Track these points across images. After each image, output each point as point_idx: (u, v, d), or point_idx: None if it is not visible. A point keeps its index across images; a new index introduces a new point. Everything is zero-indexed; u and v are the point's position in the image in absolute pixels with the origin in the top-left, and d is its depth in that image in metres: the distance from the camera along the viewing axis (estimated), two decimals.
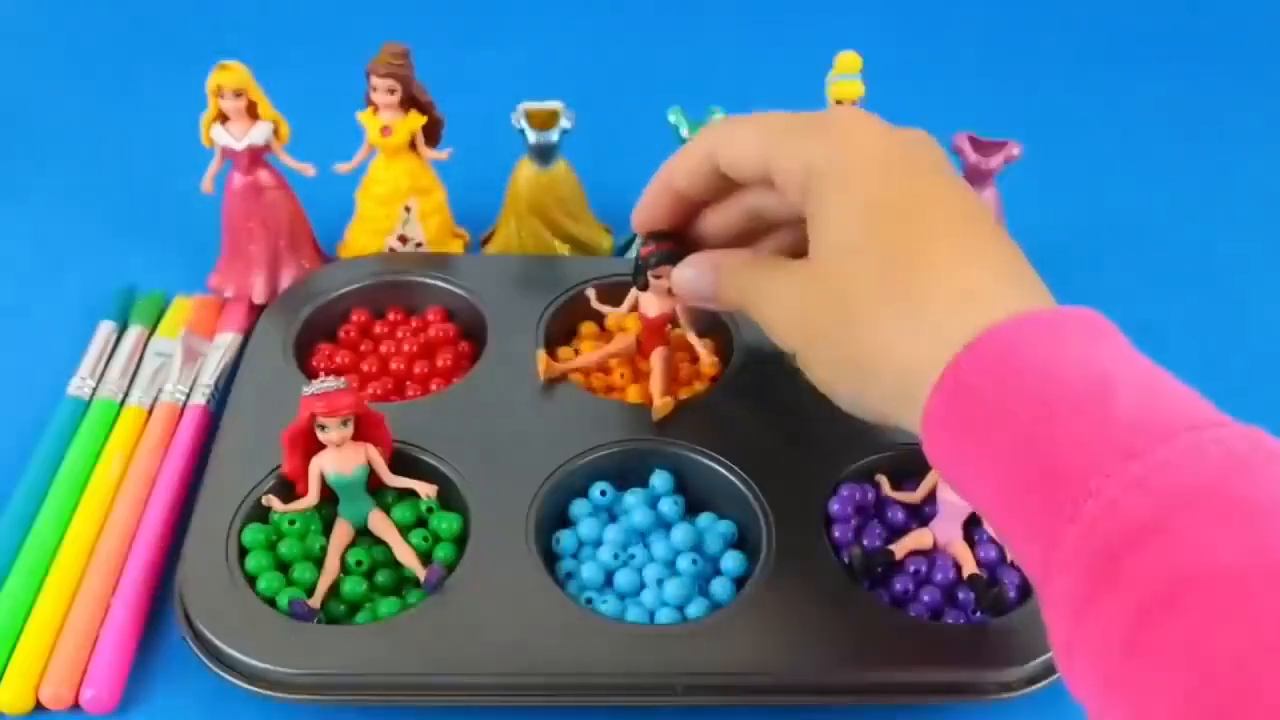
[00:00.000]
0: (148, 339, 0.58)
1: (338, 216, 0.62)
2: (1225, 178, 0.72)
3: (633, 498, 0.49)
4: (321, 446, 0.46)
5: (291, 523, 0.47)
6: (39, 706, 0.44)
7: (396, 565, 0.46)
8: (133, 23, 0.83)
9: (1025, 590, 0.45)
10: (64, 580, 0.47)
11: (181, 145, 0.59)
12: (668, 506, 0.49)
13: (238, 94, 0.55)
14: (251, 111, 0.56)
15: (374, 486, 0.47)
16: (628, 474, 0.50)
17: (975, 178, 0.57)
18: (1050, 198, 0.67)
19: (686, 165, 0.43)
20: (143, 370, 0.56)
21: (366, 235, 0.60)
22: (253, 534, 0.46)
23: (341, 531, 0.47)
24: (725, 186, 0.44)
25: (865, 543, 0.46)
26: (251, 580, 0.45)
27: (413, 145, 0.59)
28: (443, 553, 0.46)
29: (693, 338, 0.52)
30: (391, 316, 0.58)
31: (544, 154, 0.59)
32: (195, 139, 0.57)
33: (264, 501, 0.47)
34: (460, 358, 0.56)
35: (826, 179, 0.38)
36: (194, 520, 0.47)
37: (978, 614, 0.45)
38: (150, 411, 0.54)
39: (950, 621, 0.45)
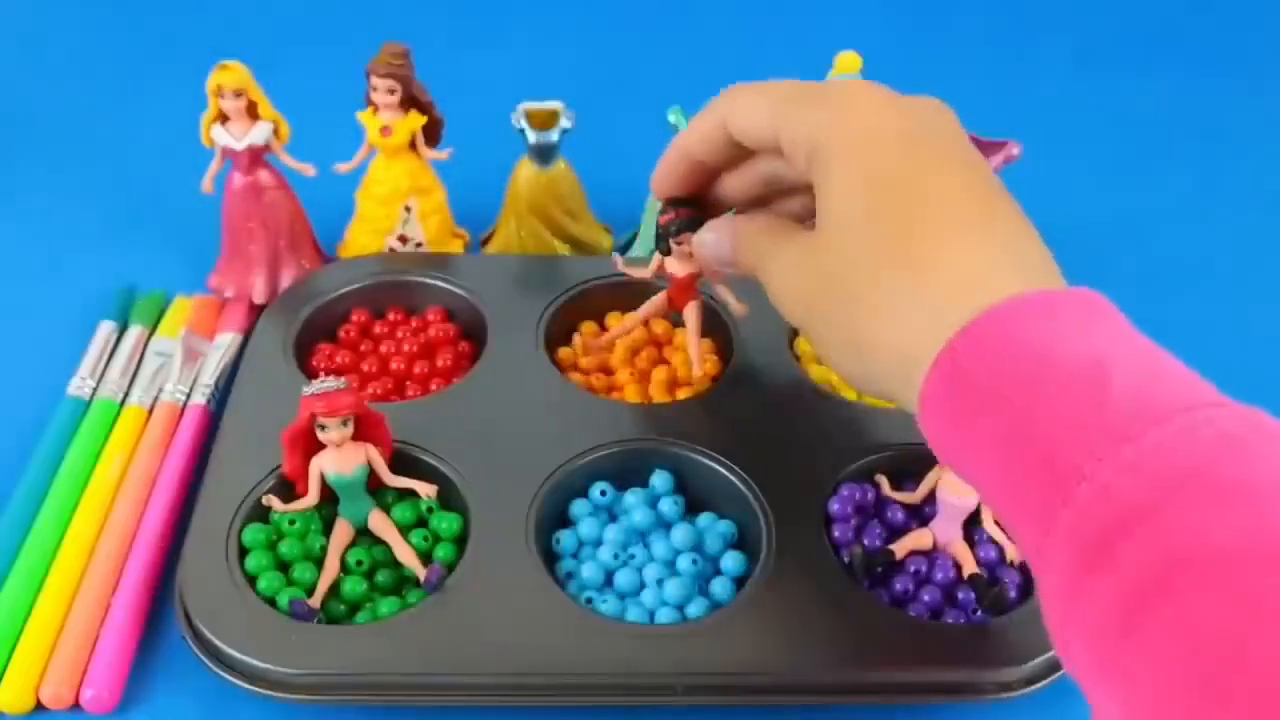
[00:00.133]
0: (148, 339, 0.58)
1: (338, 216, 0.62)
2: (1225, 178, 0.72)
3: (633, 498, 0.49)
4: (321, 446, 0.46)
5: (291, 523, 0.47)
6: (39, 706, 0.44)
7: (396, 565, 0.46)
8: (133, 23, 0.83)
9: (1025, 590, 0.45)
10: (64, 580, 0.47)
11: (181, 145, 0.59)
12: (668, 506, 0.49)
13: (238, 94, 0.55)
14: (251, 111, 0.56)
15: (374, 486, 0.47)
16: (628, 474, 0.50)
17: None
18: (1050, 198, 0.67)
19: (700, 132, 0.43)
20: (143, 370, 0.56)
21: (366, 235, 0.60)
22: (253, 534, 0.46)
23: (341, 531, 0.47)
24: (740, 153, 0.43)
25: (865, 543, 0.46)
26: (252, 580, 0.45)
27: (413, 145, 0.59)
28: (443, 553, 0.46)
29: (693, 345, 0.53)
30: (391, 316, 0.58)
31: (544, 154, 0.59)
32: (195, 139, 0.57)
33: (264, 501, 0.47)
34: (460, 358, 0.56)
35: (830, 151, 0.37)
36: (194, 520, 0.47)
37: (978, 614, 0.45)
38: (150, 411, 0.54)
39: (950, 621, 0.45)
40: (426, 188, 0.60)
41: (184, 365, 0.56)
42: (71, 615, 0.46)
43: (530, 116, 0.58)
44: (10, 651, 0.45)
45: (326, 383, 0.45)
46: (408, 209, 0.60)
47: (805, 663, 0.43)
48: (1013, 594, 0.45)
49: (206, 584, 0.44)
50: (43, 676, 0.44)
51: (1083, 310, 0.33)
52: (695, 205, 0.46)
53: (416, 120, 0.58)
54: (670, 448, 0.50)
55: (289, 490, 0.47)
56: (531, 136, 0.58)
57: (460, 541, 0.47)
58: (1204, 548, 0.27)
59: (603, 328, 0.57)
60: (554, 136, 0.59)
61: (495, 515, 0.47)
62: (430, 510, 0.48)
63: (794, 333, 0.55)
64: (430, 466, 0.49)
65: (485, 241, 0.64)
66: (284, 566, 0.46)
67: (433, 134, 0.59)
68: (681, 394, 0.53)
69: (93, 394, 0.55)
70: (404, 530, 0.47)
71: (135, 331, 0.58)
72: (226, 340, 0.57)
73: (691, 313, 0.52)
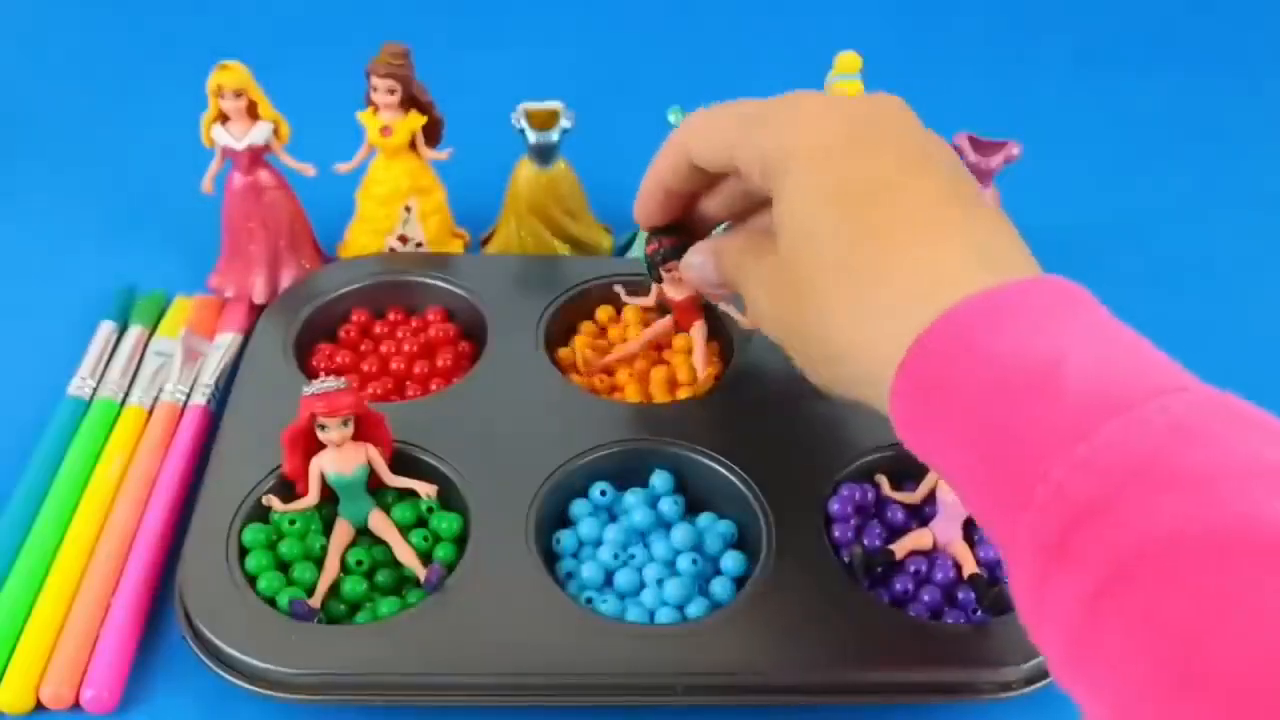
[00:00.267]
0: (148, 339, 0.58)
1: (338, 216, 0.62)
2: (1225, 178, 0.72)
3: (633, 498, 0.49)
4: (321, 446, 0.46)
5: (292, 522, 0.47)
6: (39, 706, 0.44)
7: (396, 565, 0.46)
8: (133, 23, 0.83)
9: None
10: (64, 580, 0.47)
11: (181, 145, 0.59)
12: (668, 506, 0.49)
13: (238, 94, 0.55)
14: (252, 111, 0.56)
15: (374, 486, 0.47)
16: (628, 474, 0.50)
17: (975, 178, 0.57)
18: (1050, 198, 0.67)
19: (668, 163, 0.44)
20: (143, 370, 0.56)
21: (366, 235, 0.60)
22: (253, 534, 0.46)
23: (341, 531, 0.47)
24: (711, 176, 0.44)
25: (865, 543, 0.46)
26: (252, 580, 0.45)
27: (413, 145, 0.59)
28: (443, 553, 0.46)
29: (699, 361, 0.53)
30: (391, 316, 0.58)
31: (544, 154, 0.59)
32: (195, 139, 0.57)
33: (264, 501, 0.47)
34: (460, 358, 0.56)
35: (783, 165, 0.38)
36: (194, 520, 0.47)
37: (978, 614, 0.45)
38: (150, 411, 0.54)
39: (950, 621, 0.45)
40: (426, 188, 0.60)
41: (184, 365, 0.56)
42: (71, 615, 0.46)
43: (530, 116, 0.58)
44: (10, 651, 0.45)
45: (326, 383, 0.45)
46: (408, 209, 0.60)
47: (805, 663, 0.43)
48: None
49: (206, 584, 0.44)
50: (43, 676, 0.44)
51: (1048, 301, 0.33)
52: (680, 231, 0.47)
53: (416, 120, 0.58)
54: (670, 448, 0.50)
55: (289, 490, 0.47)
56: (531, 136, 0.59)
57: (460, 541, 0.47)
58: (1155, 539, 0.27)
59: (599, 329, 0.57)
60: (554, 136, 0.59)
61: (495, 515, 0.47)
62: (430, 510, 0.48)
63: None
64: (430, 466, 0.49)
65: (485, 241, 0.64)
66: (284, 566, 0.46)
67: (433, 134, 0.59)
68: (681, 394, 0.53)
69: (93, 394, 0.55)
70: (404, 530, 0.47)
71: (135, 331, 0.58)
72: (226, 340, 0.57)
73: (698, 333, 0.53)
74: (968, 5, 0.86)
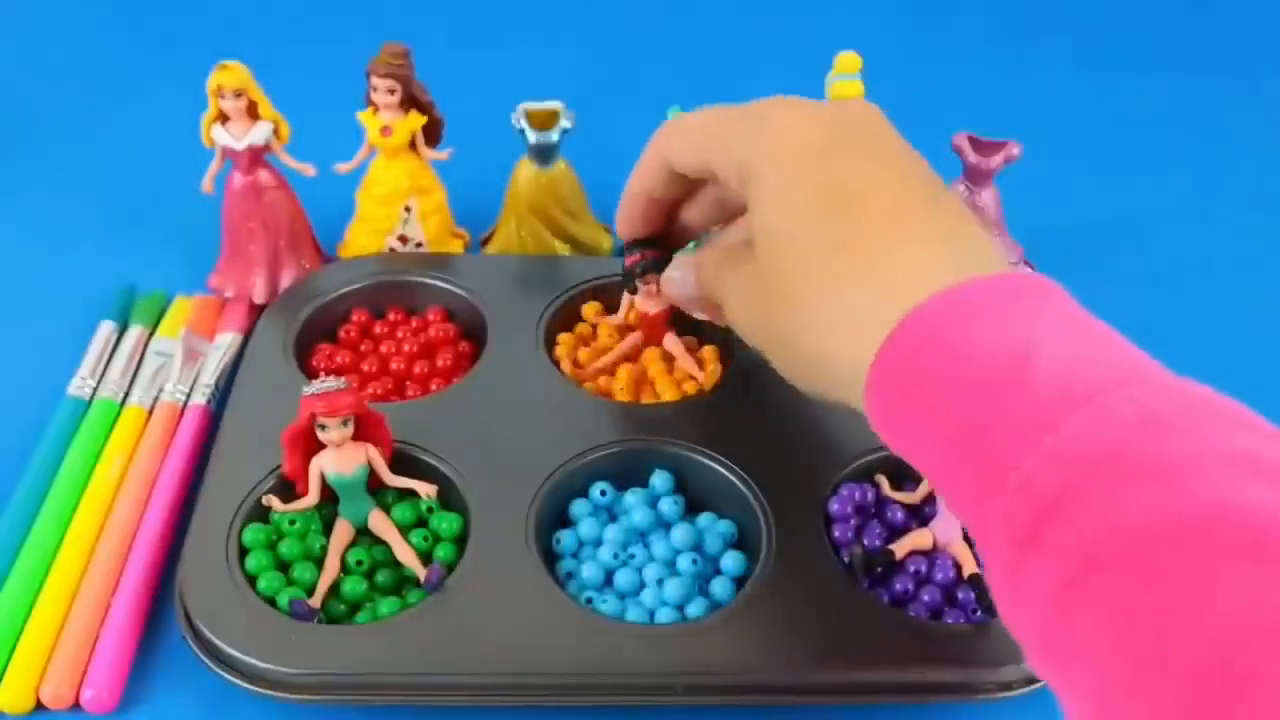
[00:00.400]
0: (148, 339, 0.58)
1: (338, 216, 0.62)
2: (1225, 178, 0.72)
3: (633, 497, 0.49)
4: (322, 446, 0.46)
5: (292, 522, 0.47)
6: (39, 706, 0.44)
7: (396, 565, 0.46)
8: (133, 23, 0.83)
9: None
10: (64, 580, 0.47)
11: (181, 145, 0.59)
12: (668, 506, 0.49)
13: (238, 94, 0.55)
14: (252, 111, 0.56)
15: (374, 486, 0.47)
16: (628, 474, 0.50)
17: (975, 178, 0.57)
18: (1050, 198, 0.67)
19: (648, 171, 0.44)
20: (143, 370, 0.56)
21: (366, 235, 0.60)
22: (253, 534, 0.46)
23: (342, 531, 0.47)
24: (691, 184, 0.44)
25: (865, 543, 0.46)
26: (252, 580, 0.45)
27: (413, 145, 0.59)
28: (443, 553, 0.46)
29: (689, 363, 0.53)
30: (391, 316, 0.58)
31: (544, 154, 0.59)
32: (195, 139, 0.57)
33: (264, 501, 0.47)
34: (460, 358, 0.56)
35: (757, 171, 0.38)
36: (194, 520, 0.47)
37: (978, 614, 0.45)
38: (150, 411, 0.54)
39: (950, 621, 0.45)
40: (426, 188, 0.60)
41: (184, 365, 0.56)
42: (71, 615, 0.46)
43: (530, 116, 0.58)
44: (10, 651, 0.45)
45: (326, 383, 0.45)
46: (408, 209, 0.60)
47: (805, 663, 0.43)
48: None
49: (206, 584, 0.44)
50: (43, 676, 0.44)
51: (1016, 295, 0.33)
52: (661, 244, 0.47)
53: (416, 120, 0.58)
54: (670, 448, 0.50)
55: (289, 490, 0.47)
56: (531, 136, 0.59)
57: (460, 541, 0.47)
58: (1124, 528, 0.27)
59: (591, 329, 0.57)
60: (554, 136, 0.59)
61: (495, 515, 0.47)
62: (430, 510, 0.48)
63: None
64: (430, 466, 0.49)
65: (485, 241, 0.64)
66: (284, 566, 0.46)
67: (433, 134, 0.59)
68: (690, 389, 0.53)
69: (93, 394, 0.55)
70: (404, 530, 0.47)
71: (135, 331, 0.58)
72: (226, 340, 0.57)
73: (671, 343, 0.53)
74: (968, 5, 0.86)
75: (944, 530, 0.47)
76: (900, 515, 0.48)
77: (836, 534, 0.47)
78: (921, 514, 0.48)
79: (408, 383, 0.55)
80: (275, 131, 0.57)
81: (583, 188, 0.62)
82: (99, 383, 0.55)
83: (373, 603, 0.45)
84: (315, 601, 0.45)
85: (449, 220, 0.62)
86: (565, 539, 0.48)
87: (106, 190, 0.69)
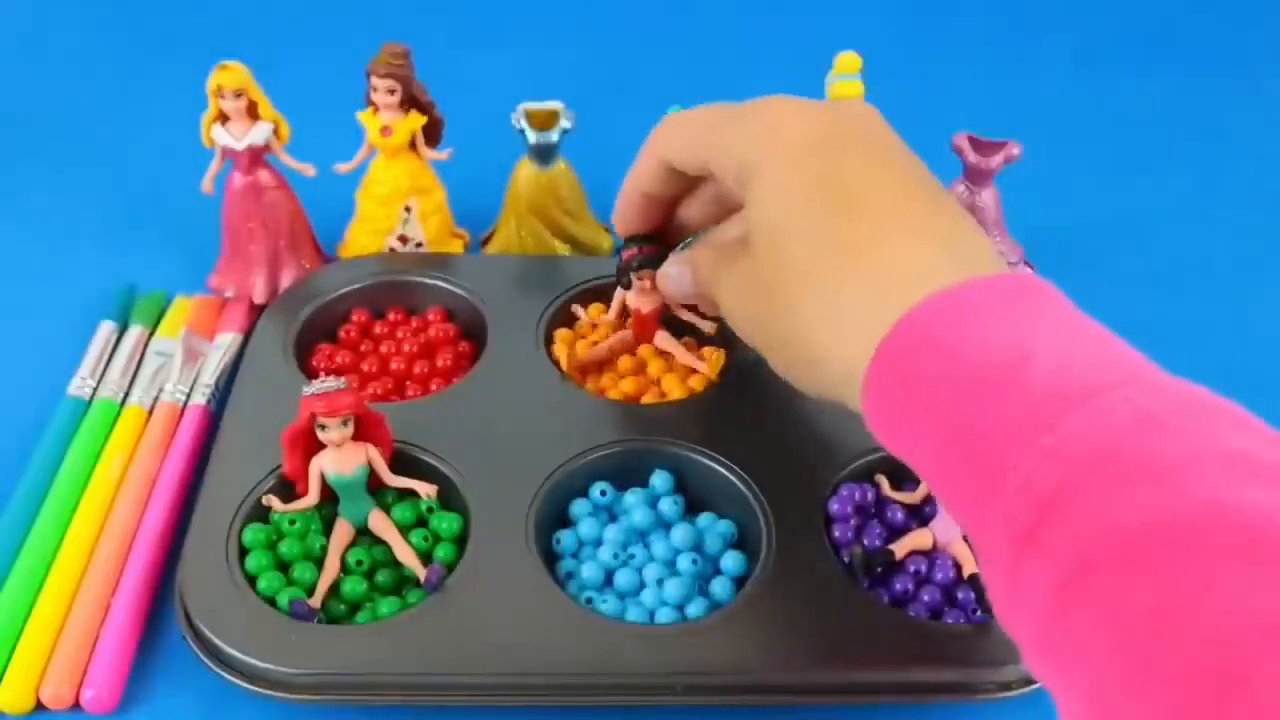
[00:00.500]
0: (148, 339, 0.58)
1: (338, 216, 0.62)
2: (1225, 178, 0.72)
3: (633, 497, 0.49)
4: (322, 446, 0.46)
5: (292, 522, 0.47)
6: (39, 706, 0.44)
7: (396, 565, 0.46)
8: (133, 23, 0.83)
9: None
10: (64, 580, 0.47)
11: (181, 145, 0.59)
12: (668, 506, 0.49)
13: (238, 94, 0.55)
14: (252, 111, 0.56)
15: (374, 486, 0.47)
16: (628, 474, 0.50)
17: (975, 178, 0.57)
18: (1050, 198, 0.67)
19: (645, 169, 0.44)
20: (143, 370, 0.56)
21: (366, 235, 0.60)
22: (253, 534, 0.46)
23: (342, 531, 0.47)
24: (689, 181, 0.44)
25: (865, 543, 0.46)
26: (252, 580, 0.45)
27: (413, 145, 0.59)
28: (443, 553, 0.46)
29: (688, 358, 0.53)
30: (391, 316, 0.58)
31: (544, 154, 0.59)
32: (195, 139, 0.57)
33: (264, 501, 0.47)
34: (460, 358, 0.56)
35: (754, 169, 0.38)
36: (194, 520, 0.47)
37: (978, 614, 0.45)
38: (150, 411, 0.54)
39: (950, 621, 0.45)
40: (426, 188, 0.60)
41: (184, 365, 0.56)
42: (71, 615, 0.46)
43: (530, 116, 0.58)
44: (10, 651, 0.45)
45: (326, 383, 0.45)
46: (408, 209, 0.60)
47: (805, 663, 0.43)
48: None
49: (206, 584, 0.44)
50: (43, 676, 0.44)
51: (1014, 296, 0.33)
52: (657, 240, 0.47)
53: (416, 120, 0.58)
54: (670, 448, 0.50)
55: (289, 490, 0.47)
56: (531, 136, 0.59)
57: (460, 541, 0.47)
58: (1120, 527, 0.27)
59: (591, 326, 0.57)
60: (554, 136, 0.59)
61: (495, 515, 0.47)
62: (430, 510, 0.48)
63: None
64: (430, 466, 0.49)
65: (485, 241, 0.64)
66: (284, 566, 0.46)
67: (433, 134, 0.59)
68: (681, 393, 0.53)
69: (93, 394, 0.55)
70: (404, 530, 0.47)
71: (135, 331, 0.58)
72: (226, 340, 0.57)
73: (663, 341, 0.53)
74: (968, 5, 0.86)
75: (944, 530, 0.47)
76: (900, 515, 0.48)
77: (836, 534, 0.47)
78: (921, 514, 0.48)
79: (408, 383, 0.55)
80: (275, 131, 0.57)
81: (583, 188, 0.62)
82: (99, 383, 0.55)
83: (373, 603, 0.45)
84: (315, 601, 0.45)
85: (449, 220, 0.62)
86: (565, 539, 0.48)
87: (106, 190, 0.69)
